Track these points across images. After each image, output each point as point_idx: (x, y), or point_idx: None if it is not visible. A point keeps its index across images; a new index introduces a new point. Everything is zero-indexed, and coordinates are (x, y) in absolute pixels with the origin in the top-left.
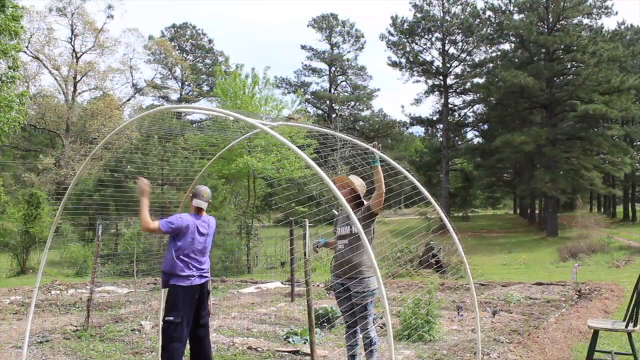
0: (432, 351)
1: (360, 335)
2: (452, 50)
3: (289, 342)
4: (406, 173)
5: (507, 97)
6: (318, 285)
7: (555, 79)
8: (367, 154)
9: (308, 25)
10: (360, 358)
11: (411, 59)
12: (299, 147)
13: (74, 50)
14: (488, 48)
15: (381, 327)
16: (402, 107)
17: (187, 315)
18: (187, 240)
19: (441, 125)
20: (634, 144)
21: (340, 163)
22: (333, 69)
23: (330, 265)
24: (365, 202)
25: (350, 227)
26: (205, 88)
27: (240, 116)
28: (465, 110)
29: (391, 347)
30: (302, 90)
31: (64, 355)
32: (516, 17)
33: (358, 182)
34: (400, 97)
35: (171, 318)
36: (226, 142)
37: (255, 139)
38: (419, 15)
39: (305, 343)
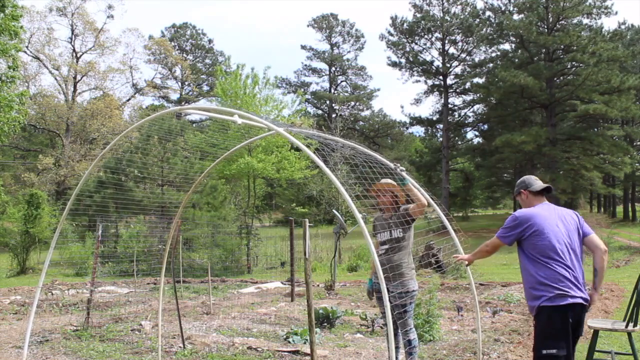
0: (432, 351)
1: (401, 337)
2: (452, 50)
3: (289, 342)
4: (433, 204)
5: (507, 97)
6: (318, 285)
7: (555, 79)
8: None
9: (308, 25)
10: None
11: (411, 59)
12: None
13: (74, 50)
14: (488, 48)
15: (381, 328)
16: (402, 107)
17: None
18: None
19: (441, 125)
20: (634, 144)
21: (340, 163)
22: (333, 69)
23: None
24: (403, 206)
25: (390, 232)
26: (205, 88)
27: (254, 117)
28: (465, 110)
29: (391, 346)
30: (302, 90)
31: (64, 355)
32: (516, 17)
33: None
34: (400, 97)
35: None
36: (227, 142)
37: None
38: (418, 15)
39: (305, 343)
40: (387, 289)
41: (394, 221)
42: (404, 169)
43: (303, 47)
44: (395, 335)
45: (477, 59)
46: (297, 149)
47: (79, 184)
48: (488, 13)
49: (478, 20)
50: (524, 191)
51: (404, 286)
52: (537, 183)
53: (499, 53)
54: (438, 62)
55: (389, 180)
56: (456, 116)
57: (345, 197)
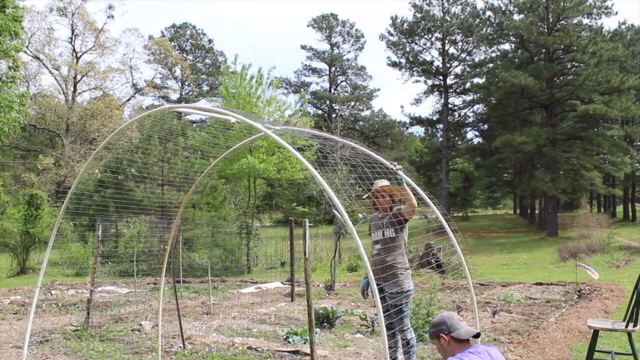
0: (432, 351)
1: (399, 337)
2: (452, 50)
3: (289, 342)
4: (431, 203)
5: (507, 97)
6: (318, 285)
7: (555, 79)
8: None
9: (308, 25)
10: None
11: (411, 59)
12: (301, 148)
13: (74, 50)
14: (488, 48)
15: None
16: (402, 107)
17: None
18: None
19: (441, 125)
20: (634, 144)
21: (340, 163)
22: (333, 69)
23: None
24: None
25: (383, 232)
26: (205, 88)
27: (243, 118)
28: (465, 110)
29: (385, 346)
30: (303, 90)
31: (64, 355)
32: (516, 17)
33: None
34: (400, 97)
35: None
36: (229, 142)
37: (257, 140)
38: (418, 15)
39: (305, 343)
40: (383, 288)
41: (387, 221)
42: (401, 167)
43: (303, 47)
44: (395, 335)
45: (477, 59)
46: (300, 149)
47: (75, 183)
48: (488, 13)
49: (478, 20)
50: (445, 336)
51: (398, 286)
52: (463, 326)
53: (499, 53)
54: (438, 62)
55: (385, 182)
56: (456, 116)
57: (334, 201)
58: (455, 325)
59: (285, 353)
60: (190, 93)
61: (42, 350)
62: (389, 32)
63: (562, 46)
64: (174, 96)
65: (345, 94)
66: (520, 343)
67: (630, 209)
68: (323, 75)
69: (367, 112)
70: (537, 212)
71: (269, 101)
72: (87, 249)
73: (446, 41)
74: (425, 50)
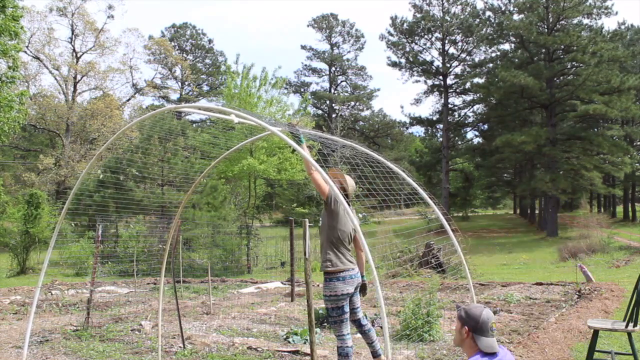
0: (432, 351)
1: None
2: (452, 50)
3: (289, 342)
4: (431, 203)
5: (507, 97)
6: (318, 285)
7: (555, 79)
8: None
9: (308, 25)
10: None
11: (411, 59)
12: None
13: (74, 50)
14: (488, 48)
15: (381, 328)
16: (402, 107)
17: None
18: None
19: (441, 125)
20: (634, 144)
21: (340, 163)
22: (333, 69)
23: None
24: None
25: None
26: (205, 88)
27: (249, 117)
28: (465, 110)
29: (387, 345)
30: (303, 90)
31: (64, 355)
32: (516, 17)
33: (350, 182)
34: (400, 97)
35: None
36: (229, 143)
37: (258, 141)
38: (418, 15)
39: (305, 343)
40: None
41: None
42: (297, 125)
43: (303, 47)
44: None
45: (477, 59)
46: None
47: (77, 184)
48: (488, 13)
49: (478, 20)
50: (468, 331)
51: (327, 289)
52: (488, 338)
53: (499, 53)
54: (438, 62)
55: (346, 177)
56: (456, 116)
57: (340, 199)
58: (483, 330)
59: (285, 353)
60: (190, 93)
61: (42, 350)
62: (389, 32)
63: (562, 46)
64: (174, 96)
65: (345, 94)
66: (520, 343)
67: (630, 209)
68: (323, 75)
69: (367, 112)
70: (537, 212)
71: (269, 102)
72: (85, 249)
73: (446, 41)
74: (425, 50)
